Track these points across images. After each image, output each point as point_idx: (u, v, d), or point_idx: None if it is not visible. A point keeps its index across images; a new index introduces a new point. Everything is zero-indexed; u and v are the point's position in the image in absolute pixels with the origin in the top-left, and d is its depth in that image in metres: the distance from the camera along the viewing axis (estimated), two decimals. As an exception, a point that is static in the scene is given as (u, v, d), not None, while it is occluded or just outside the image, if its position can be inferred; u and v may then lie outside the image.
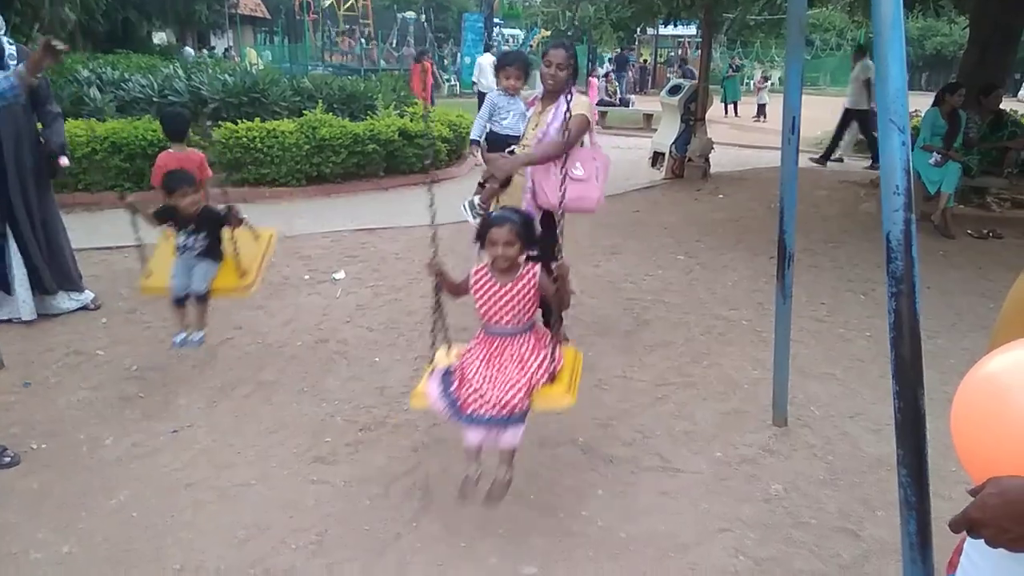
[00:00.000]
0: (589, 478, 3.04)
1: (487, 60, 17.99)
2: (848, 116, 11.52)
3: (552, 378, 2.59)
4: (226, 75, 9.60)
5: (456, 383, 2.54)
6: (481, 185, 3.93)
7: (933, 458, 1.83)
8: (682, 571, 2.50)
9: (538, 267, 2.67)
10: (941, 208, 7.22)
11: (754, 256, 6.33)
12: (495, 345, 2.66)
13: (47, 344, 4.24)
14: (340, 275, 5.58)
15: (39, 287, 4.48)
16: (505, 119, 4.12)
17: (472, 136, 4.64)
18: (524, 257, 2.68)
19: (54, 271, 4.56)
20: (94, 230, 6.36)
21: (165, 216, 3.71)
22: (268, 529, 2.68)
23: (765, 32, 28.47)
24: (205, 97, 9.01)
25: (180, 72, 9.82)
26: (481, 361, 2.62)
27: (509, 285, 2.62)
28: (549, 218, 3.78)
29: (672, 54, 23.42)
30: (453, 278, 2.73)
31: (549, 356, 2.60)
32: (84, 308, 4.73)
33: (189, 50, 23.88)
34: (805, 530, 2.73)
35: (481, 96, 17.05)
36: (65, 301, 4.66)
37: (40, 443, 3.22)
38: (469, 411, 2.46)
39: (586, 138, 3.80)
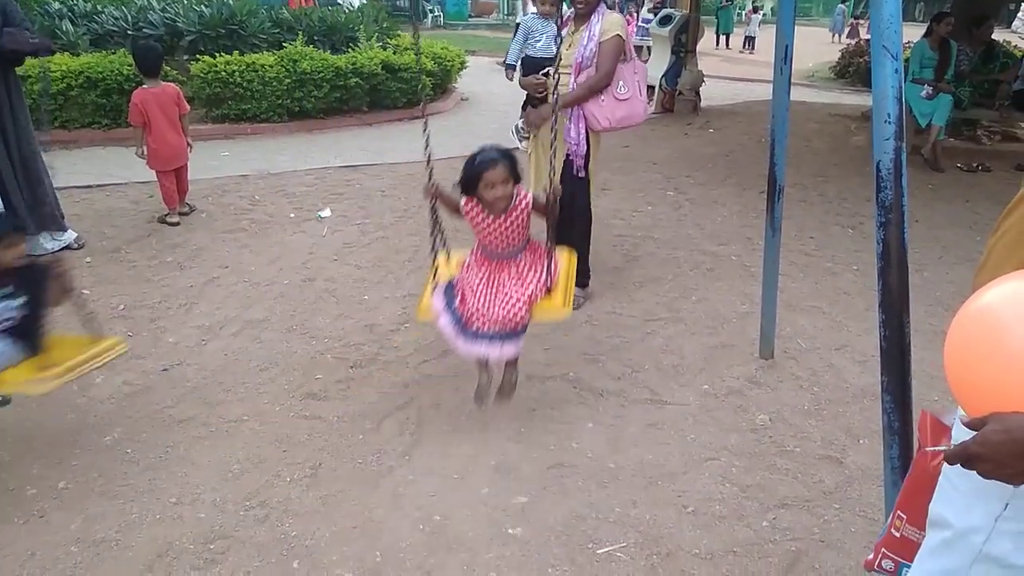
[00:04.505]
0: (579, 411, 3.09)
1: None
2: None
3: (549, 290, 2.76)
4: (202, 6, 9.27)
5: (459, 299, 2.72)
6: (523, 108, 3.91)
7: (916, 388, 1.86)
8: (670, 498, 2.57)
9: (530, 196, 2.73)
10: (932, 141, 7.18)
11: (743, 191, 6.31)
12: (493, 265, 2.78)
13: (31, 285, 4.19)
14: (326, 213, 5.52)
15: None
16: (539, 42, 4.12)
17: (507, 60, 4.58)
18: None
19: (37, 211, 4.47)
20: (72, 168, 6.23)
21: None
22: (262, 463, 2.72)
23: (758, -40, 27.64)
24: (181, 29, 8.73)
25: (154, 3, 9.47)
26: (480, 281, 2.75)
27: (503, 217, 2.68)
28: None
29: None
30: (450, 195, 2.77)
31: (546, 269, 2.74)
32: (67, 248, 4.66)
33: None
34: (790, 458, 2.79)
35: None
36: (48, 241, 4.59)
37: (30, 383, 3.22)
38: (474, 328, 2.65)
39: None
